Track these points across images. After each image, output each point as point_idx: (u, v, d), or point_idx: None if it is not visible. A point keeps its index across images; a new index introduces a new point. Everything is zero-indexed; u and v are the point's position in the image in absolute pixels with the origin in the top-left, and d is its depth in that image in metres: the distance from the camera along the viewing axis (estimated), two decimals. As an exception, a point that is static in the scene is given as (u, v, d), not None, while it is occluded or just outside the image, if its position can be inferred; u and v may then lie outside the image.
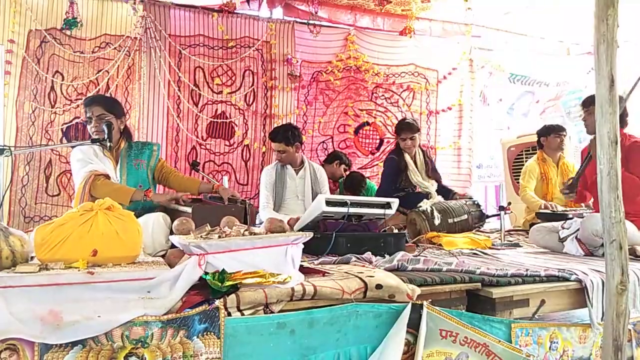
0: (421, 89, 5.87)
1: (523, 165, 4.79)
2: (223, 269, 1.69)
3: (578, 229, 3.04)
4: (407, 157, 4.15)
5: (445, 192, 4.18)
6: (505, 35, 6.17)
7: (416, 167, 4.15)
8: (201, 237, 1.81)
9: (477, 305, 2.15)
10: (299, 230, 2.69)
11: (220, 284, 1.65)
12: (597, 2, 1.89)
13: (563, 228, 3.14)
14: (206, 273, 1.69)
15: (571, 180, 3.42)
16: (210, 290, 1.65)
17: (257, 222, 3.59)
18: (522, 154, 5.54)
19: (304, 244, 2.30)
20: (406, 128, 4.16)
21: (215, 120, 5.04)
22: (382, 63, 5.70)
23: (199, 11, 5.01)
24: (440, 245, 3.29)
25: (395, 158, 4.18)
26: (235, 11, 5.11)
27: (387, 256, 2.59)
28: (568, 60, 6.55)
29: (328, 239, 2.65)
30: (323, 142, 5.39)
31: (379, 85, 5.71)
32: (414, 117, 5.37)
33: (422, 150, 4.32)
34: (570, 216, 3.39)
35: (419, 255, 2.69)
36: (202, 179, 4.63)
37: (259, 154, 5.21)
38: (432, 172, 4.25)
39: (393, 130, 5.71)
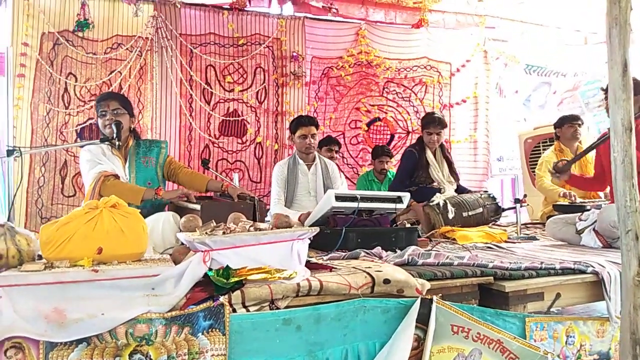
0: (434, 83, 5.80)
1: (540, 157, 4.70)
2: (227, 266, 1.68)
3: (595, 221, 2.96)
4: (429, 153, 4.06)
5: (461, 191, 4.10)
6: (520, 25, 6.05)
7: (435, 160, 4.06)
8: (206, 233, 1.80)
9: (490, 299, 2.10)
10: (309, 226, 2.66)
11: (225, 281, 1.64)
12: (609, -16, 1.83)
13: (580, 220, 3.06)
14: (210, 269, 1.67)
15: (564, 162, 3.34)
16: (214, 286, 1.64)
17: (268, 218, 3.57)
18: (539, 146, 5.43)
19: (314, 239, 2.28)
20: (435, 122, 4.02)
21: (227, 118, 5.04)
22: (394, 57, 5.64)
23: (210, 9, 5.01)
24: (454, 239, 3.24)
25: (414, 152, 4.08)
26: (245, 9, 5.10)
27: (398, 251, 2.55)
28: (585, 49, 6.40)
29: (338, 234, 2.62)
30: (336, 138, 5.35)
31: (391, 80, 5.65)
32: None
33: (442, 148, 4.21)
34: (588, 208, 3.30)
35: (431, 249, 2.65)
36: (215, 177, 4.65)
37: (272, 151, 5.20)
38: (452, 169, 4.16)
39: (404, 126, 5.68)
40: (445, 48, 5.84)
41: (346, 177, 5.27)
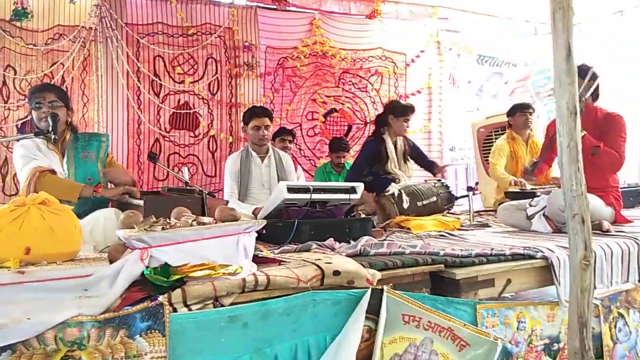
0: (389, 73, 5.80)
1: (492, 145, 4.76)
2: (166, 263, 1.58)
3: (545, 206, 3.00)
4: (390, 145, 3.90)
5: (429, 164, 4.10)
6: (473, 16, 6.13)
7: (395, 153, 3.97)
8: (144, 229, 1.70)
9: (442, 287, 2.08)
10: (262, 219, 2.58)
11: (165, 279, 1.55)
12: (552, -32, 1.82)
13: (530, 205, 3.10)
14: (148, 268, 1.58)
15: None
16: (153, 285, 1.55)
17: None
18: (491, 135, 5.51)
19: (266, 233, 2.20)
20: (409, 109, 3.91)
21: (178, 111, 4.89)
22: (349, 48, 5.61)
23: (157, -2, 4.84)
24: (409, 229, 3.23)
25: (375, 144, 3.93)
26: (194, -4, 4.95)
27: (352, 242, 2.51)
28: (536, 40, 6.55)
29: (290, 226, 2.55)
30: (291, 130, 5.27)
31: (347, 70, 5.61)
32: (384, 102, 5.27)
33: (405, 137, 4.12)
34: (539, 194, 3.35)
35: (384, 239, 2.61)
36: (167, 174, 4.50)
37: (226, 144, 5.08)
38: (411, 154, 4.09)
39: (362, 116, 5.65)
40: (399, 39, 5.85)
41: (303, 169, 5.21)
